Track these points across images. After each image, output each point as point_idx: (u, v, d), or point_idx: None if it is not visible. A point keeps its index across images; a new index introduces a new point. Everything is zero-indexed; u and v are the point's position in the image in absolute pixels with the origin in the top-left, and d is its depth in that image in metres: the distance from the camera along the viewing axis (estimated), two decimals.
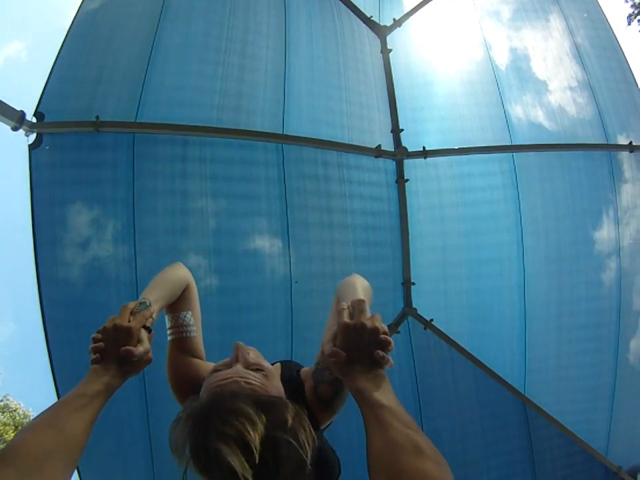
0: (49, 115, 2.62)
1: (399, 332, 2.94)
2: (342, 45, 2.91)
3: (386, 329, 0.81)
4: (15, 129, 2.62)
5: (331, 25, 2.99)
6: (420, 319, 2.99)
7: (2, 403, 12.52)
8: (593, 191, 3.57)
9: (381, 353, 0.77)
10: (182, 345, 1.17)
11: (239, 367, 0.90)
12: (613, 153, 3.54)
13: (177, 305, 1.20)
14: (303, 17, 2.97)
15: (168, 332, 1.19)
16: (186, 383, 1.09)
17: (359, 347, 0.78)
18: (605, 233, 3.57)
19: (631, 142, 3.49)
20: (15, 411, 12.54)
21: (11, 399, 12.71)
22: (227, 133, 2.54)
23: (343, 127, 2.69)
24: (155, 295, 1.04)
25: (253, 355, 0.98)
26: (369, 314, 0.82)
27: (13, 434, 11.64)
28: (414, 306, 2.97)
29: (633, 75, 3.88)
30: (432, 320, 3.00)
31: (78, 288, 2.59)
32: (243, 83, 2.68)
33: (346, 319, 0.81)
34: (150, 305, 0.99)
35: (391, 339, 0.79)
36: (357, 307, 0.82)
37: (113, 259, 2.55)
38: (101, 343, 0.87)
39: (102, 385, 0.81)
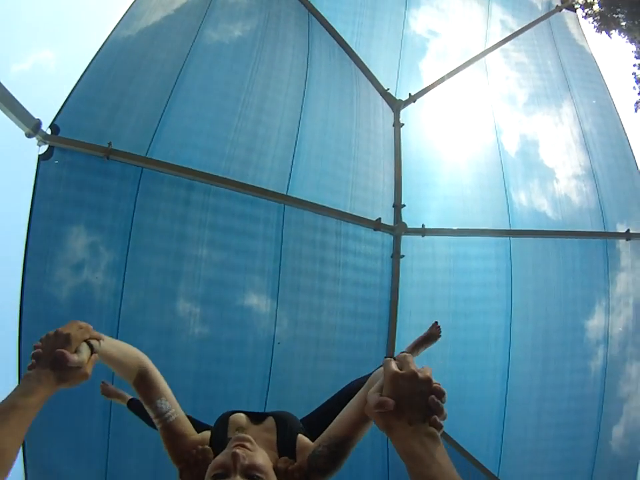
0: (64, 130, 2.60)
1: None
2: (356, 114, 2.99)
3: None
4: (28, 135, 2.56)
5: (348, 93, 3.08)
6: None
7: None
8: (587, 278, 3.59)
9: (436, 399, 0.69)
10: (170, 430, 1.15)
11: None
12: (609, 240, 3.58)
13: (149, 395, 1.18)
14: (323, 81, 3.06)
15: (155, 422, 1.18)
16: (181, 454, 1.12)
17: (410, 399, 0.68)
18: (595, 321, 3.57)
19: (628, 230, 3.53)
20: None
21: None
22: (232, 185, 2.55)
23: (346, 195, 2.72)
24: (111, 341, 1.08)
25: (251, 455, 0.94)
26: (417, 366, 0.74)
27: None
28: None
29: (635, 162, 3.99)
30: None
31: (60, 306, 2.53)
32: (256, 137, 2.72)
33: (395, 368, 0.72)
34: (102, 338, 1.00)
35: (445, 390, 0.71)
36: (404, 359, 0.74)
37: (101, 286, 2.51)
38: (40, 350, 0.87)
39: (33, 395, 0.79)
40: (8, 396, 0.78)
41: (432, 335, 2.38)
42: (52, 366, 0.84)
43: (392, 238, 2.84)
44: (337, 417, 1.05)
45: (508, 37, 4.18)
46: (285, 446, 1.06)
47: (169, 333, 2.56)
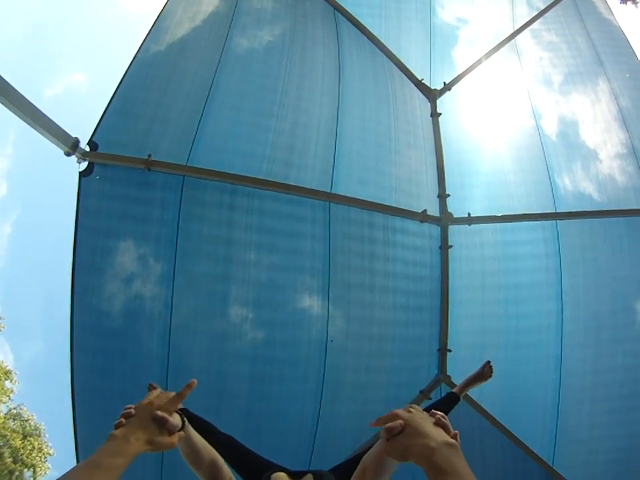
0: (102, 146, 2.66)
1: (430, 398, 2.85)
2: (393, 107, 2.96)
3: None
4: (67, 154, 2.64)
5: (383, 86, 3.05)
6: (453, 387, 2.88)
7: (15, 411, 12.63)
8: (636, 257, 3.47)
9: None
10: None
11: None
12: None
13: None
14: (357, 77, 3.04)
15: None
16: None
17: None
18: None
19: None
20: (26, 420, 12.64)
21: (25, 409, 12.84)
22: (276, 187, 2.57)
23: (390, 189, 2.70)
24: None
25: None
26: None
27: (20, 442, 11.72)
28: (448, 373, 2.89)
29: None
30: None
31: (110, 317, 2.61)
32: (296, 137, 2.73)
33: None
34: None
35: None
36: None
37: (150, 295, 2.57)
38: (132, 411, 0.85)
39: (120, 456, 0.76)
40: (93, 454, 0.76)
41: (483, 374, 2.33)
42: (146, 428, 0.83)
43: (439, 229, 2.80)
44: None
45: (535, 16, 4.07)
46: None
47: (222, 337, 2.60)
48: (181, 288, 2.48)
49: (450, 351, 2.86)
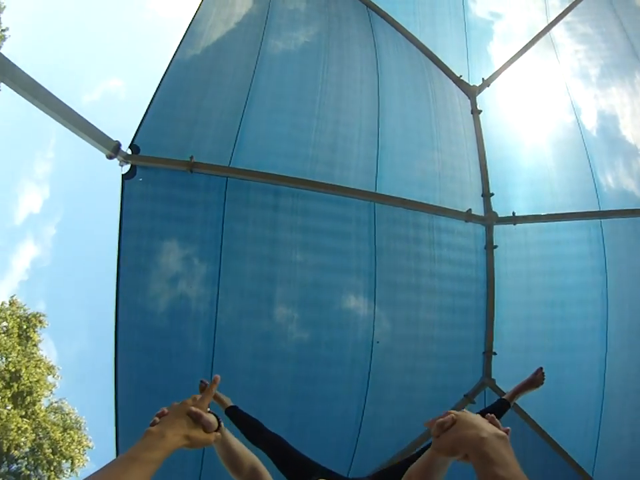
0: (144, 149, 2.67)
1: (474, 402, 2.78)
2: (433, 104, 2.91)
3: None
4: (109, 157, 2.66)
5: (421, 84, 3.00)
6: (497, 391, 2.81)
7: (56, 404, 12.90)
8: None
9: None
10: None
11: None
12: None
13: None
14: (395, 74, 3.00)
15: None
16: None
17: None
18: None
19: None
20: (67, 414, 12.88)
21: (66, 403, 13.11)
22: (320, 187, 2.54)
23: (434, 188, 2.65)
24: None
25: None
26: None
27: (60, 434, 12.00)
28: (493, 377, 2.81)
29: None
30: None
31: (155, 316, 2.62)
32: (337, 136, 2.70)
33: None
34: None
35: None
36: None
37: (195, 295, 2.56)
38: (165, 409, 0.87)
39: (157, 450, 0.77)
40: (129, 450, 0.77)
41: (535, 380, 2.26)
42: (182, 423, 0.84)
43: (484, 228, 2.73)
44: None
45: (568, 7, 3.98)
46: None
47: (267, 337, 2.58)
48: (227, 288, 2.47)
49: (495, 353, 2.79)
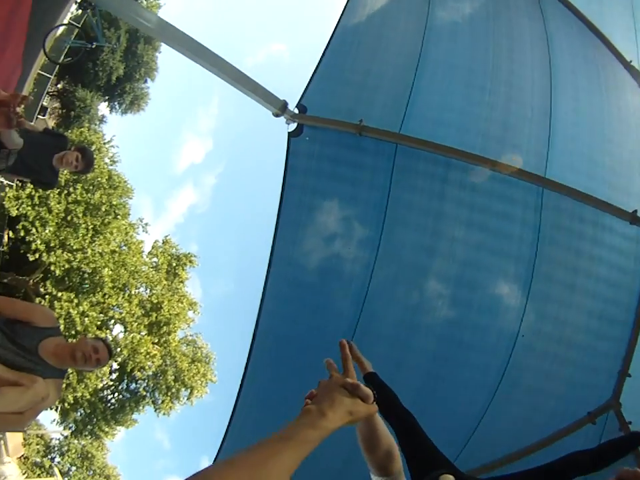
0: (311, 109, 2.63)
1: (594, 423, 2.58)
2: (605, 89, 2.75)
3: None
4: (276, 115, 2.66)
5: (593, 66, 2.81)
6: (620, 417, 2.61)
7: (191, 337, 13.47)
8: None
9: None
10: None
11: None
12: None
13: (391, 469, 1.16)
14: (566, 54, 2.81)
15: None
16: None
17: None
18: None
19: None
20: (200, 348, 13.42)
21: (201, 338, 13.67)
22: (492, 165, 2.45)
23: (603, 181, 2.53)
24: None
25: None
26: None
27: (187, 365, 12.50)
28: (620, 400, 2.63)
29: None
30: (630, 423, 2.61)
31: (306, 272, 2.65)
32: (510, 114, 2.57)
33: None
34: None
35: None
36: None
37: (351, 256, 2.55)
38: (314, 391, 0.83)
39: (316, 428, 0.72)
40: (281, 429, 0.72)
41: None
42: (340, 397, 0.78)
43: None
44: None
45: None
46: None
47: (415, 309, 2.58)
48: (385, 254, 2.45)
49: (630, 375, 2.61)
